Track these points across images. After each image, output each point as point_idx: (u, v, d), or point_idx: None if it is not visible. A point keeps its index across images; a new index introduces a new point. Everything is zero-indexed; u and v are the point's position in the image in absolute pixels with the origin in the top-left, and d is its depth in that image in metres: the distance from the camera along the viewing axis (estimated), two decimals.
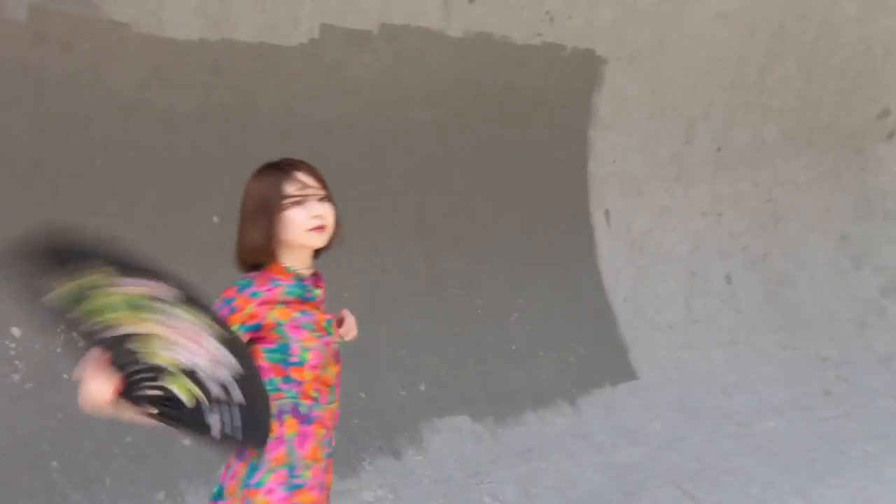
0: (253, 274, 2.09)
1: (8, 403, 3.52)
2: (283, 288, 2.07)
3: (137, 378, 1.78)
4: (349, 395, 4.35)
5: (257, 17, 4.30)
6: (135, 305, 1.77)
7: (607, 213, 5.70)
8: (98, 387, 1.77)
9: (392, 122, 4.84)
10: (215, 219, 4.29)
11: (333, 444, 2.20)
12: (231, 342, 1.81)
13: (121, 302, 1.77)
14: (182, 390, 1.78)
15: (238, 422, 1.79)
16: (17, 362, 3.61)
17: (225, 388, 1.79)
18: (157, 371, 1.78)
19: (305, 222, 2.08)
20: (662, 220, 5.93)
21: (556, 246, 5.43)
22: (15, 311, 3.70)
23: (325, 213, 2.12)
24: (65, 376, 3.64)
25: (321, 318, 2.14)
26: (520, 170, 5.32)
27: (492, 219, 5.19)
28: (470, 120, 5.11)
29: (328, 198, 2.16)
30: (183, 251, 4.15)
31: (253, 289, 2.04)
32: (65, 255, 1.76)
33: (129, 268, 1.78)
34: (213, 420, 1.79)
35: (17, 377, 3.57)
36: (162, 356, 1.78)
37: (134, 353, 1.77)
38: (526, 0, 5.01)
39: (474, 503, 4.12)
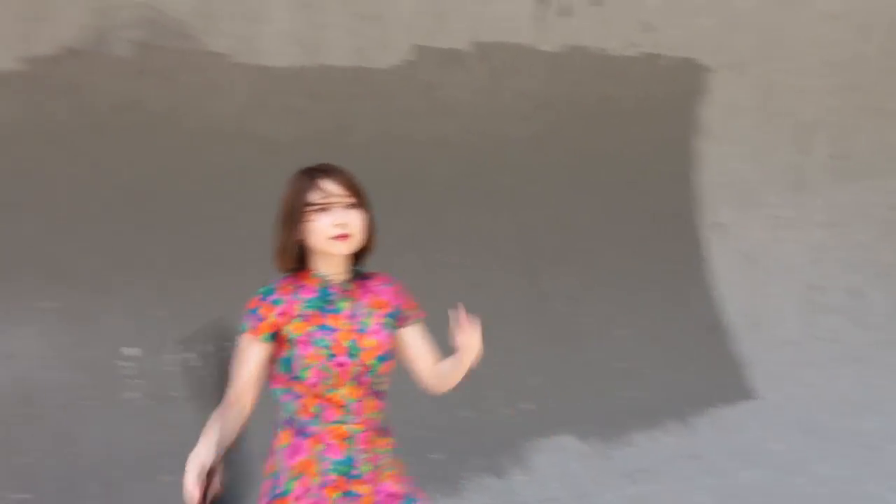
0: (278, 280, 2.19)
1: (125, 420, 3.80)
2: (303, 302, 2.16)
3: None
4: (452, 414, 4.49)
5: (350, 42, 4.54)
6: None
7: (718, 226, 5.69)
8: None
9: (489, 138, 5.00)
10: None
11: (360, 466, 2.19)
12: None
13: None
14: None
15: None
16: (131, 381, 3.90)
17: None
18: None
19: (327, 230, 2.13)
20: (778, 232, 5.87)
21: (664, 260, 5.45)
22: (130, 330, 4.04)
23: (348, 220, 2.15)
24: (176, 393, 3.90)
25: (345, 336, 2.16)
26: (622, 182, 5.39)
27: (595, 233, 5.26)
28: (568, 134, 5.22)
29: (357, 205, 2.19)
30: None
31: (275, 296, 2.15)
32: None
33: None
34: None
35: (134, 395, 3.86)
36: None
37: None
38: (621, 11, 5.11)
39: None
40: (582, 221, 5.24)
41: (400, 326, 2.28)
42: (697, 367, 5.26)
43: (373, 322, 2.21)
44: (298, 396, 2.16)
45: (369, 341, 2.18)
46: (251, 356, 2.15)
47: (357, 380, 2.16)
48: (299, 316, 2.15)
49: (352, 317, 2.19)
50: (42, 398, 3.70)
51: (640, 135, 5.44)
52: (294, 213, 2.16)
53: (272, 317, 2.14)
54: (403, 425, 4.29)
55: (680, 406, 5.04)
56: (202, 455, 2.05)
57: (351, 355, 2.15)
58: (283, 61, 4.42)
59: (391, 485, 2.25)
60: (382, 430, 2.26)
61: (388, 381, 2.27)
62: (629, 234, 5.37)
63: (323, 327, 2.16)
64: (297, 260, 2.20)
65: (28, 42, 3.93)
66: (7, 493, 3.43)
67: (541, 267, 5.06)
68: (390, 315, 2.26)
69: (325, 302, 2.18)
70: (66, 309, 3.88)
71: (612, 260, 5.28)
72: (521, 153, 5.09)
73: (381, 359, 2.20)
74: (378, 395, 2.23)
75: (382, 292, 2.28)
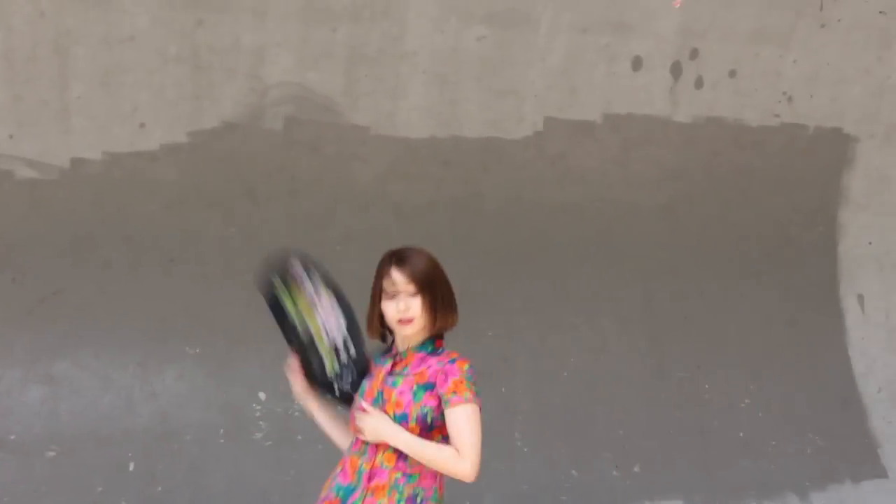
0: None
1: (252, 458, 4.25)
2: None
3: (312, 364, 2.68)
4: (559, 472, 4.69)
5: (483, 115, 4.85)
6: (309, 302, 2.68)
7: (861, 298, 5.57)
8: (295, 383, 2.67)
9: (619, 206, 5.16)
10: None
11: (357, 497, 2.48)
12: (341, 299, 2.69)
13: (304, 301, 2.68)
14: (329, 361, 2.65)
15: (349, 381, 2.65)
16: (260, 423, 4.36)
17: (344, 344, 2.67)
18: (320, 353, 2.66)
19: (394, 315, 2.51)
20: None
21: (799, 331, 5.39)
22: (264, 378, 4.49)
23: (410, 307, 2.48)
24: (299, 437, 4.32)
25: (377, 385, 2.55)
26: (757, 252, 5.39)
27: (724, 302, 5.30)
28: (702, 203, 5.29)
29: (419, 293, 2.50)
30: None
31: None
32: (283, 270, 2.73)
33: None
34: (338, 384, 2.65)
35: (259, 436, 4.31)
36: (323, 341, 2.66)
37: (312, 343, 2.67)
38: (759, 82, 5.15)
39: None
40: (711, 290, 5.29)
41: (440, 405, 2.47)
42: (826, 442, 5.18)
43: (402, 383, 2.50)
44: None
45: (393, 396, 2.49)
46: None
47: None
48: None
49: (390, 373, 2.55)
50: (180, 434, 4.21)
51: (780, 205, 5.43)
52: (375, 295, 2.58)
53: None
54: (508, 479, 4.55)
55: (801, 480, 5.00)
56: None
57: (375, 402, 2.51)
58: (419, 132, 4.79)
59: None
60: (404, 497, 2.46)
61: None
62: (762, 303, 5.36)
63: (369, 376, 2.60)
64: (382, 330, 2.61)
65: (194, 118, 4.50)
66: None
67: (664, 334, 5.16)
68: (422, 386, 2.48)
69: (379, 360, 2.63)
70: (207, 355, 4.41)
71: (742, 329, 5.29)
72: (651, 221, 5.21)
73: (398, 418, 2.46)
74: (403, 457, 2.46)
75: (431, 366, 2.51)
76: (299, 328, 2.65)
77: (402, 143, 4.78)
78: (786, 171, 5.42)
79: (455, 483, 4.34)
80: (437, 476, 2.53)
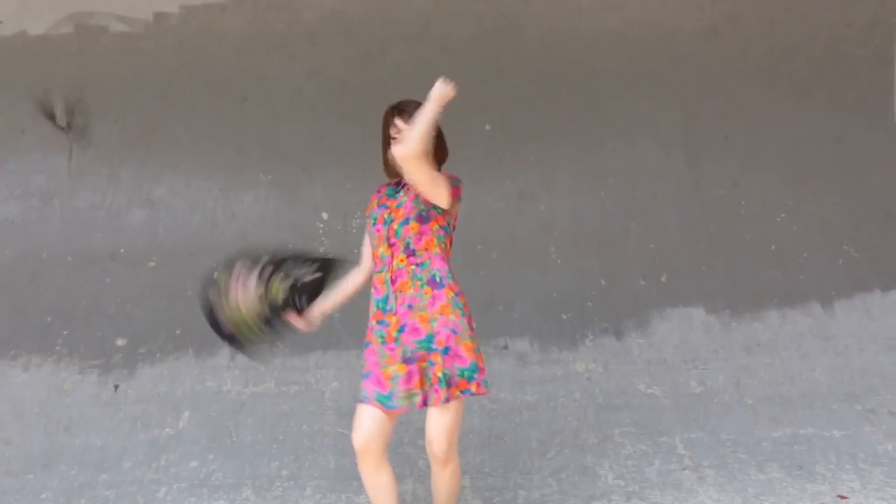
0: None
1: None
2: (384, 192, 3.23)
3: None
4: (589, 281, 5.32)
5: None
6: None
7: None
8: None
9: (659, 31, 5.50)
10: (487, 127, 5.42)
11: (391, 302, 3.07)
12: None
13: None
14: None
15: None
16: (323, 238, 5.21)
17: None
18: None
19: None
20: None
21: (845, 148, 5.63)
22: (326, 199, 5.27)
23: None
24: (355, 251, 5.13)
25: (387, 212, 3.10)
26: (805, 70, 5.60)
27: (768, 121, 5.59)
28: (746, 24, 5.54)
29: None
30: (457, 154, 5.32)
31: (375, 194, 3.25)
32: None
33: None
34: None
35: (322, 249, 5.14)
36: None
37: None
38: None
39: (679, 385, 4.89)
40: (753, 109, 5.58)
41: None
42: (861, 254, 5.51)
43: (406, 199, 3.11)
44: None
45: (397, 213, 3.10)
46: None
47: (388, 241, 3.11)
48: (376, 201, 3.21)
49: (396, 197, 3.15)
50: (256, 248, 5.12)
51: (830, 21, 5.59)
52: (384, 142, 3.15)
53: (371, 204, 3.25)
54: (540, 287, 5.20)
55: (827, 289, 5.39)
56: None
57: (385, 223, 3.10)
58: None
59: (417, 322, 3.07)
60: (425, 282, 3.09)
61: (422, 242, 3.09)
62: (808, 121, 5.60)
63: (383, 206, 3.17)
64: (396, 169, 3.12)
65: None
66: None
67: (703, 154, 5.55)
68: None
69: (391, 194, 3.20)
70: (278, 181, 5.24)
71: (784, 147, 5.59)
72: (693, 44, 5.52)
73: (402, 223, 3.08)
74: (411, 252, 3.10)
75: None
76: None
77: None
78: None
79: (488, 289, 5.21)
80: (445, 259, 3.16)
